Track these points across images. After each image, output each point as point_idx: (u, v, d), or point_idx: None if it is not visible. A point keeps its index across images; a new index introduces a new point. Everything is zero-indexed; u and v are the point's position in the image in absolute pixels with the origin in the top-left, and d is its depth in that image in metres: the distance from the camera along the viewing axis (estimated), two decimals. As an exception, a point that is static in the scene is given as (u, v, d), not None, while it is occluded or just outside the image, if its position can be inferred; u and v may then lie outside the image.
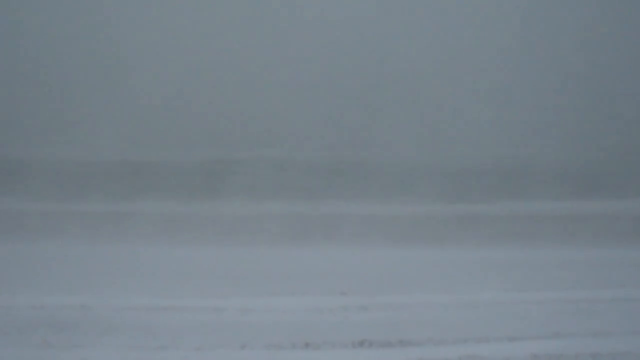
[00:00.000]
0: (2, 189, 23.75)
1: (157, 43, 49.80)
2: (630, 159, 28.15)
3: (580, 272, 16.78)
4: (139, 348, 12.04)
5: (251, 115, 34.20)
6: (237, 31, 54.03)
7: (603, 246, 19.50)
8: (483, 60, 47.58)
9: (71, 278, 15.85)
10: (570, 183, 25.36)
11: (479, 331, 12.84)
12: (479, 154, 27.84)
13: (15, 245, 19.02)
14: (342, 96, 37.41)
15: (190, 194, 23.76)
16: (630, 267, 17.29)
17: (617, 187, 24.85)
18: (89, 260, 17.55)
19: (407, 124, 32.11)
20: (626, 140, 31.02)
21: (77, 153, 27.70)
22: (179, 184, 24.84)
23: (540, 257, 18.40)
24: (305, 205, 22.90)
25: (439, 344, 12.31)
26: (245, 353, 11.94)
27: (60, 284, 15.28)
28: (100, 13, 58.36)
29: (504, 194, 23.73)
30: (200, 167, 26.61)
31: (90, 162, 26.57)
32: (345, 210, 22.45)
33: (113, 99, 36.35)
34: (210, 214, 22.14)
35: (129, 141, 29.22)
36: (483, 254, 18.68)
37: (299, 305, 14.05)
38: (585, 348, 12.10)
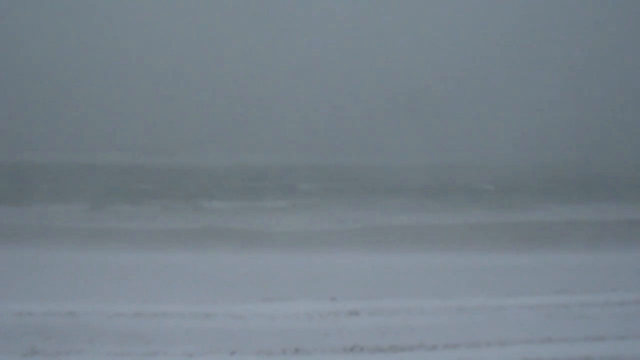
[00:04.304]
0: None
1: (162, 45, 49.74)
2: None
3: (573, 277, 16.77)
4: (127, 355, 11.98)
5: (254, 120, 34.11)
6: (245, 33, 53.96)
7: (595, 251, 19.50)
8: (494, 64, 47.50)
9: (59, 285, 15.76)
10: (556, 190, 25.36)
11: (470, 336, 12.81)
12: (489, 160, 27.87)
13: (1, 252, 18.92)
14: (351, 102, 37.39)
15: (179, 201, 23.68)
16: (623, 271, 17.29)
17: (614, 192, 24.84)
18: (76, 267, 17.45)
19: (401, 131, 32.10)
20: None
21: (66, 157, 27.59)
22: (172, 189, 24.76)
23: (532, 262, 18.38)
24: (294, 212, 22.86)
25: (430, 349, 12.28)
26: (235, 359, 11.89)
27: (48, 291, 15.19)
28: (104, 15, 58.30)
29: (499, 203, 23.75)
30: (194, 173, 26.56)
31: (79, 165, 26.45)
32: (336, 216, 22.41)
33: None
34: (200, 222, 22.06)
35: (130, 145, 29.09)
36: (473, 259, 18.66)
37: (289, 311, 13.99)
38: (576, 352, 12.08)
